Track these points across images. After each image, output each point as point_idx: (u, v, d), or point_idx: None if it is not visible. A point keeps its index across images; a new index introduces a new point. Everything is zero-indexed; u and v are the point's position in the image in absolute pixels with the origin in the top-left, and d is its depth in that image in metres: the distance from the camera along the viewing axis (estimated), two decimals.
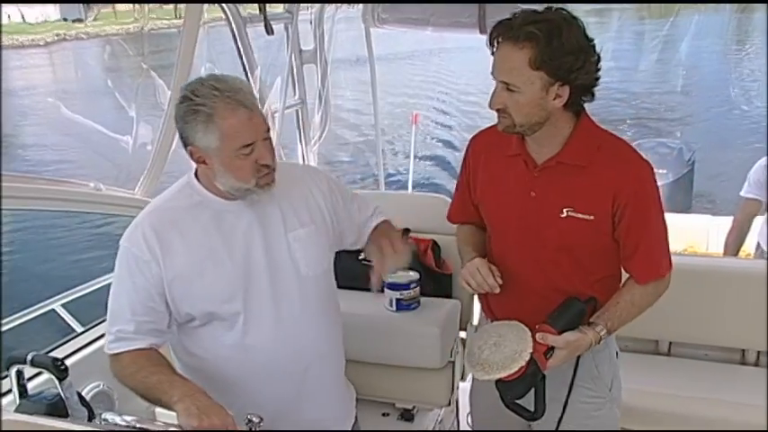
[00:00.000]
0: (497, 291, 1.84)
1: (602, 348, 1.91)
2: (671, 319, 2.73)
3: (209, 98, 1.60)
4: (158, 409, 2.34)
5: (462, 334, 2.80)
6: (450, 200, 2.93)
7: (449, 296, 2.80)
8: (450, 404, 2.74)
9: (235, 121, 1.61)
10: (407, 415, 2.81)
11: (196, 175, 1.78)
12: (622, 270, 1.91)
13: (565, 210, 1.77)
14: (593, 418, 1.96)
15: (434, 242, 2.83)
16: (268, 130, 1.70)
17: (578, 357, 1.84)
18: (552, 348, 1.72)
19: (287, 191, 1.82)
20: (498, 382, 1.72)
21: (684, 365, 3.03)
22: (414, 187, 7.26)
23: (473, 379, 2.17)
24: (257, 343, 1.76)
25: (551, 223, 1.79)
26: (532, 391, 1.73)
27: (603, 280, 1.88)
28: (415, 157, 7.73)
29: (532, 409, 1.75)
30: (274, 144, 1.75)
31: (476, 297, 2.87)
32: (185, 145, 1.69)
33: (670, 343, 3.11)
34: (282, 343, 1.78)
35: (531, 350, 1.67)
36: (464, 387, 2.80)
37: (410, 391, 2.71)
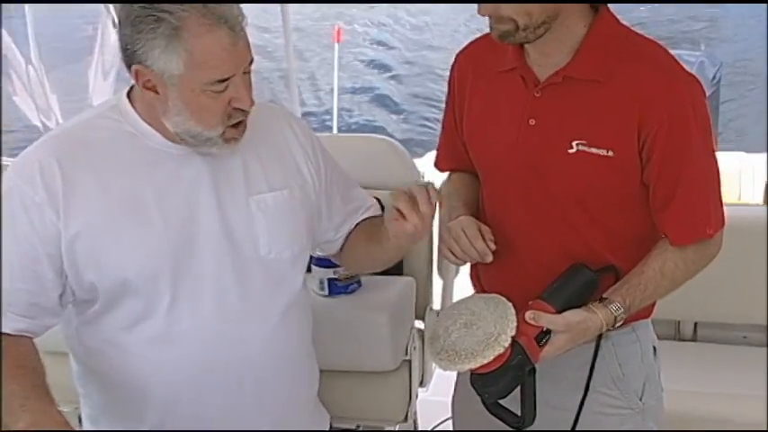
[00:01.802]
0: (489, 259, 1.82)
1: (631, 341, 1.91)
2: (696, 292, 2.70)
3: (179, 4, 1.55)
4: None
5: (420, 324, 2.81)
6: (392, 141, 2.87)
7: (399, 273, 2.80)
8: (406, 419, 2.74)
9: (211, 42, 1.57)
10: None
11: (129, 97, 1.73)
12: None
13: (574, 143, 1.75)
14: None
15: (377, 200, 2.71)
16: (252, 61, 1.66)
17: (595, 352, 1.82)
18: (548, 332, 1.70)
19: (256, 139, 1.80)
20: (473, 375, 1.72)
21: (715, 352, 3.06)
22: (339, 128, 7.26)
23: (456, 378, 2.16)
24: (187, 336, 1.74)
25: (557, 161, 1.77)
26: (519, 389, 1.72)
27: (632, 245, 1.84)
28: (340, 88, 7.70)
29: (519, 413, 1.75)
30: None
31: (435, 273, 2.98)
32: (129, 63, 1.62)
33: (695, 324, 3.14)
34: (222, 342, 1.77)
35: (512, 333, 1.66)
36: (424, 397, 2.87)
37: (352, 404, 2.67)
